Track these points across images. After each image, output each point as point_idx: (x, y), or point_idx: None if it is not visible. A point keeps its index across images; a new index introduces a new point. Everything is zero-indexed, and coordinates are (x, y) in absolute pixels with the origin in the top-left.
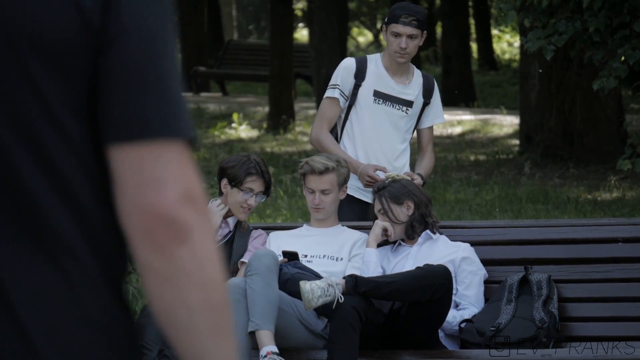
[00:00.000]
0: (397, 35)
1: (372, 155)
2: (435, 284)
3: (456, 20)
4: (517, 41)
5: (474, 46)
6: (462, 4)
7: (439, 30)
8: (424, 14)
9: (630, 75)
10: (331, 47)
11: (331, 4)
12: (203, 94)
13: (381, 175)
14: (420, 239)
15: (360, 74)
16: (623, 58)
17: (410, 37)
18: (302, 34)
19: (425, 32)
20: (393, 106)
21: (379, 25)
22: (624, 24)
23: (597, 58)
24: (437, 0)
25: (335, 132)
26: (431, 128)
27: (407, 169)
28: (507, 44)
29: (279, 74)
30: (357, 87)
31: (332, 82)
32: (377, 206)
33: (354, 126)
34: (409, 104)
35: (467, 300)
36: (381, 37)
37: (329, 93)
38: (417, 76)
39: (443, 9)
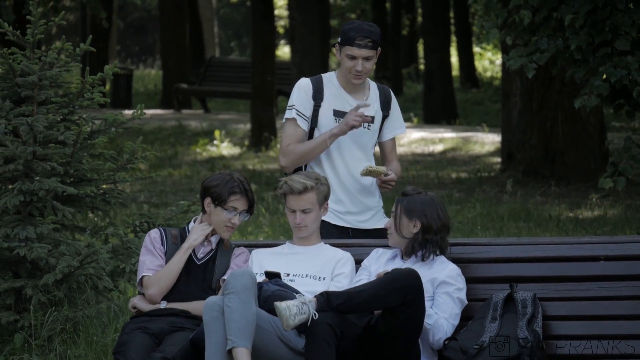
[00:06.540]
0: (352, 57)
1: (342, 175)
2: (406, 285)
3: (438, 37)
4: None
5: (455, 64)
6: (443, 22)
7: (420, 47)
8: (379, 33)
9: (611, 93)
10: (313, 63)
11: (313, 21)
12: (184, 111)
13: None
14: (413, 258)
15: (318, 95)
16: (605, 76)
17: (366, 58)
18: (284, 51)
19: (379, 48)
20: None
21: None
22: (605, 41)
23: (578, 76)
24: (419, 18)
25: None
26: (393, 139)
27: (374, 187)
28: (488, 61)
29: (261, 91)
30: (317, 108)
31: (289, 103)
32: (393, 207)
33: None
34: (370, 119)
35: (442, 315)
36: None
37: (287, 114)
38: (374, 89)
39: (425, 27)
